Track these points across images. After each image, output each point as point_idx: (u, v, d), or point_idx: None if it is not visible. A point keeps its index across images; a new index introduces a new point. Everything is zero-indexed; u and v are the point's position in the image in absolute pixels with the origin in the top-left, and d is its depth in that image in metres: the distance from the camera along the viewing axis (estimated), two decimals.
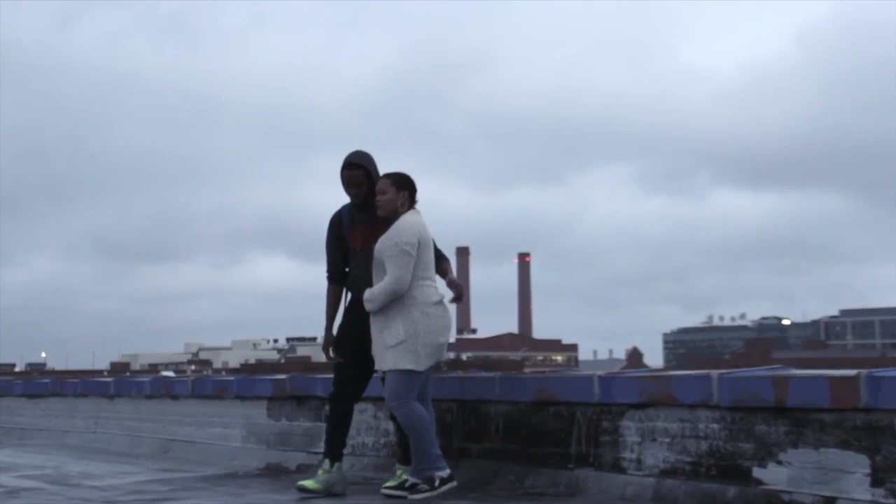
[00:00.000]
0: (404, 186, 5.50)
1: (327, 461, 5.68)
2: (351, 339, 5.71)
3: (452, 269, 5.75)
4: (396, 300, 5.31)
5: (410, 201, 5.52)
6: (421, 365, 5.31)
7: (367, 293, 5.41)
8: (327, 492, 5.56)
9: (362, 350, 5.62)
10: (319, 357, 47.19)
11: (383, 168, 5.71)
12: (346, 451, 6.28)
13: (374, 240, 5.56)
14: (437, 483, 5.31)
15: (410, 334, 5.28)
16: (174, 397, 8.49)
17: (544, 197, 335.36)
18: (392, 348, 5.30)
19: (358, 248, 5.74)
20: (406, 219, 5.43)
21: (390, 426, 6.35)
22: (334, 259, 5.87)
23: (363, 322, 5.56)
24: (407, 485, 5.32)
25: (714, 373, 4.98)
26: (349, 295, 5.85)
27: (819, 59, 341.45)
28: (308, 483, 5.60)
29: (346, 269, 5.84)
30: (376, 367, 5.48)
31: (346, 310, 5.85)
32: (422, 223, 5.46)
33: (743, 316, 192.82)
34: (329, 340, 5.81)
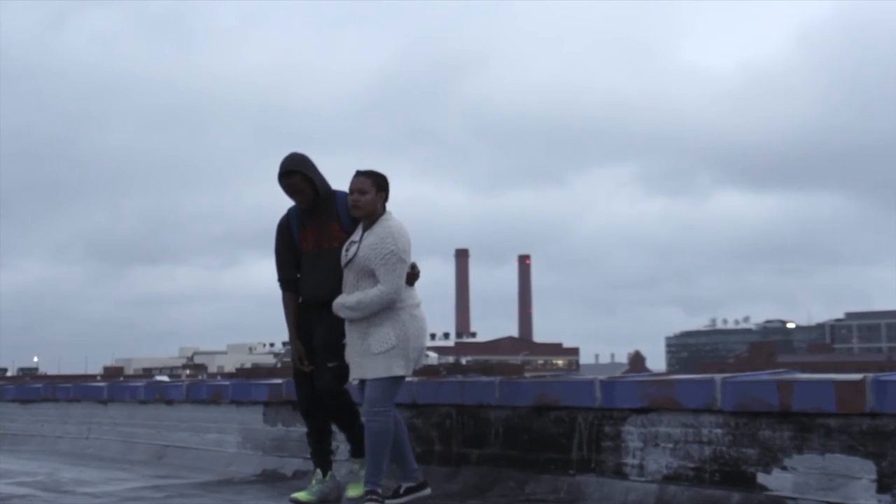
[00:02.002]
0: (383, 187, 5.36)
1: (319, 471, 5.66)
2: (306, 342, 5.59)
3: None
4: None
5: (384, 203, 5.39)
6: (410, 369, 5.24)
7: (352, 301, 5.23)
8: (321, 502, 5.54)
9: (312, 351, 5.55)
10: None
11: (355, 166, 5.54)
12: (343, 456, 6.29)
13: (326, 240, 5.49)
14: (402, 490, 5.36)
15: (402, 339, 5.18)
16: (168, 402, 8.49)
17: (544, 198, 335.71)
18: (382, 354, 5.16)
19: (309, 251, 5.61)
20: (394, 224, 5.30)
21: None
22: (287, 265, 5.73)
23: (318, 323, 5.49)
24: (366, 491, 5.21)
25: (717, 377, 4.98)
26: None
27: (820, 58, 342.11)
28: (301, 495, 5.55)
29: (298, 275, 5.70)
30: (354, 375, 5.31)
31: (300, 314, 5.69)
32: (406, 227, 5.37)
33: (747, 319, 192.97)
34: (300, 349, 5.66)
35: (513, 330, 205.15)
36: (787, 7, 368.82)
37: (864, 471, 4.38)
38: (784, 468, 4.64)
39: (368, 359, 5.20)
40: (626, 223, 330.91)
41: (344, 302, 5.27)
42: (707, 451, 4.94)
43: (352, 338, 5.29)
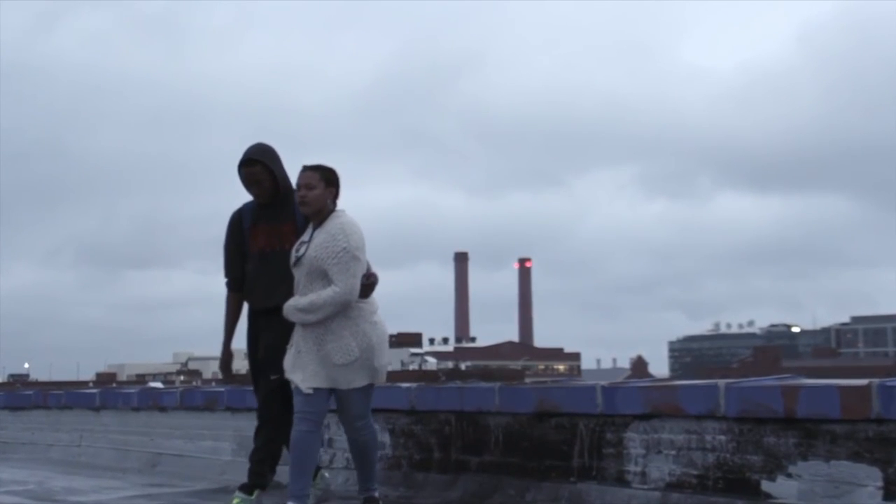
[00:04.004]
0: (333, 182, 5.07)
1: (242, 492, 5.35)
2: (255, 361, 5.43)
3: None
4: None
5: (335, 199, 5.11)
6: (377, 378, 5.05)
7: (304, 302, 4.90)
8: None
9: (255, 361, 5.38)
10: None
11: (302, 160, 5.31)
12: (340, 465, 6.29)
13: (278, 241, 5.29)
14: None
15: (365, 349, 4.92)
16: (162, 409, 8.48)
17: (543, 200, 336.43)
18: (345, 367, 4.91)
19: (258, 251, 5.39)
20: (346, 220, 5.00)
21: (387, 438, 6.35)
22: (234, 264, 5.51)
23: (262, 331, 5.32)
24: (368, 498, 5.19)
25: (721, 382, 4.99)
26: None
27: (821, 58, 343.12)
28: None
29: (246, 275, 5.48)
30: (312, 384, 4.93)
31: (249, 320, 5.50)
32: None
33: (751, 323, 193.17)
34: (227, 357, 5.49)
35: (513, 335, 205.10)
36: (788, 7, 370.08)
37: (871, 478, 4.38)
38: (789, 475, 4.64)
39: (331, 369, 4.92)
40: (627, 225, 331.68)
41: (296, 304, 4.94)
42: (710, 458, 4.94)
43: (306, 344, 4.95)
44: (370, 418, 5.14)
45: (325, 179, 5.02)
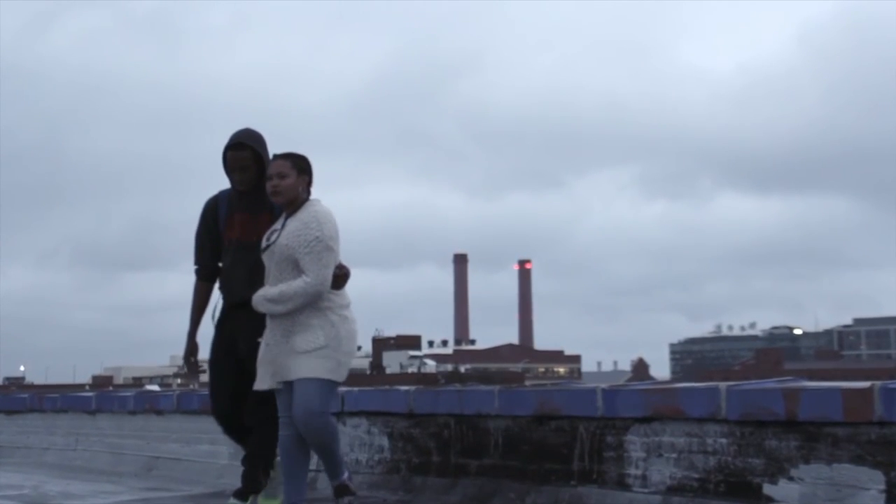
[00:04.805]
0: (306, 170, 4.90)
1: (237, 497, 5.30)
2: (223, 355, 5.32)
3: None
4: None
5: (308, 188, 4.95)
6: (341, 375, 4.79)
7: (274, 292, 4.74)
8: None
9: (238, 363, 5.25)
10: None
11: (276, 148, 5.20)
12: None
13: (255, 231, 5.14)
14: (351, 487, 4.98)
15: (332, 339, 4.72)
16: (159, 413, 8.47)
17: (542, 201, 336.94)
18: (307, 354, 4.70)
19: (234, 241, 5.26)
20: (320, 209, 4.85)
21: (385, 442, 6.35)
22: (204, 252, 5.40)
23: (238, 327, 5.19)
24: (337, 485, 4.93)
25: (722, 385, 4.99)
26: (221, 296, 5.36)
27: (821, 59, 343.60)
28: None
29: (220, 265, 5.37)
30: (278, 378, 4.80)
31: (219, 314, 5.40)
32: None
33: (753, 325, 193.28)
34: (192, 348, 5.38)
35: (513, 337, 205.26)
36: (788, 7, 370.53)
37: (873, 481, 4.38)
38: (791, 479, 4.64)
39: (293, 357, 4.73)
40: (627, 227, 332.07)
41: (265, 294, 4.79)
42: (712, 461, 4.94)
43: (274, 336, 4.80)
44: (328, 417, 4.78)
45: (297, 168, 4.86)
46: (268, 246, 4.85)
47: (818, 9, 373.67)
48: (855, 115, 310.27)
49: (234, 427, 5.46)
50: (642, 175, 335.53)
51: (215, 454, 7.74)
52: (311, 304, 4.73)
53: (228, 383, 5.36)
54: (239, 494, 5.31)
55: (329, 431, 4.78)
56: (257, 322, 4.91)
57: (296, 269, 4.74)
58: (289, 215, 4.88)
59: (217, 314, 5.47)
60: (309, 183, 4.93)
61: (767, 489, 4.71)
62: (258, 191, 5.18)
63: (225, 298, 5.37)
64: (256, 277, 4.94)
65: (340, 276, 4.83)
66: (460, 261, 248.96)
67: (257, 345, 4.93)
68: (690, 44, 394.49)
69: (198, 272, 5.48)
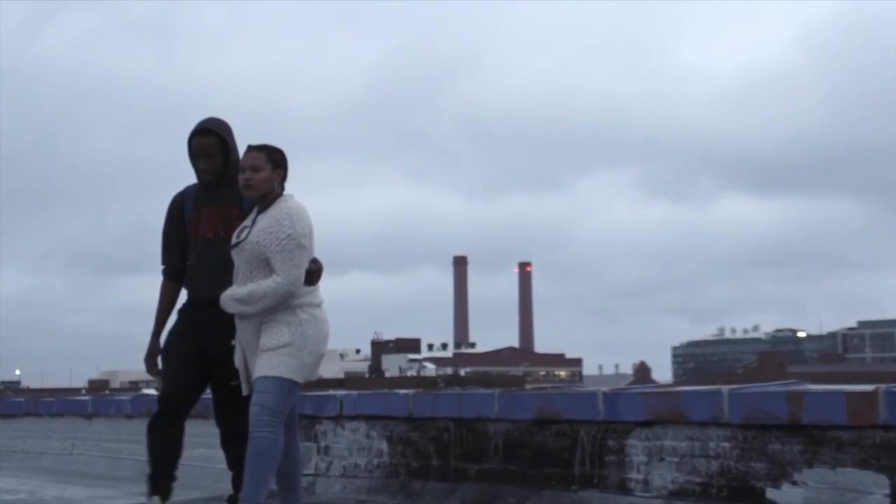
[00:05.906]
0: (281, 164, 4.70)
1: (157, 498, 5.19)
2: (185, 346, 5.10)
3: None
4: None
5: (283, 183, 4.75)
6: (304, 376, 4.56)
7: (243, 292, 4.56)
8: None
9: (201, 359, 5.05)
10: None
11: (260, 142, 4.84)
12: (337, 472, 6.27)
13: (223, 227, 4.98)
14: None
15: (297, 337, 4.51)
16: None
17: (542, 203, 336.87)
18: (270, 351, 4.50)
19: (200, 237, 5.08)
20: (293, 204, 4.65)
21: (384, 446, 6.34)
22: (171, 250, 5.24)
23: (205, 325, 4.98)
24: None
25: (725, 388, 4.99)
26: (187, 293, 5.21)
27: (822, 59, 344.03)
28: None
29: (187, 263, 5.21)
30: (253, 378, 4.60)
31: (181, 311, 5.24)
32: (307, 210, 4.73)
33: (756, 328, 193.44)
34: (154, 349, 5.25)
35: (513, 340, 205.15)
36: (788, 7, 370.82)
37: (877, 485, 4.38)
38: (794, 483, 4.64)
39: (259, 355, 4.55)
40: (628, 229, 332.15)
41: (233, 294, 4.60)
42: (714, 465, 4.94)
43: (245, 335, 4.63)
44: (276, 418, 4.47)
45: (272, 161, 4.67)
46: (238, 243, 4.67)
47: (818, 9, 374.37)
48: (857, 115, 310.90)
49: (175, 423, 5.27)
50: (643, 176, 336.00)
51: (213, 458, 7.73)
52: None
53: (186, 373, 5.14)
54: (232, 501, 5.28)
55: (276, 447, 4.49)
56: (224, 322, 4.72)
57: (266, 267, 4.55)
58: (260, 211, 4.69)
59: (184, 306, 5.30)
60: (283, 178, 4.73)
61: (771, 494, 4.71)
62: (227, 184, 5.03)
63: (190, 296, 5.21)
64: (224, 275, 4.75)
65: (314, 272, 4.65)
66: (460, 263, 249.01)
67: (230, 348, 4.76)
68: (690, 44, 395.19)
69: (164, 272, 5.32)
